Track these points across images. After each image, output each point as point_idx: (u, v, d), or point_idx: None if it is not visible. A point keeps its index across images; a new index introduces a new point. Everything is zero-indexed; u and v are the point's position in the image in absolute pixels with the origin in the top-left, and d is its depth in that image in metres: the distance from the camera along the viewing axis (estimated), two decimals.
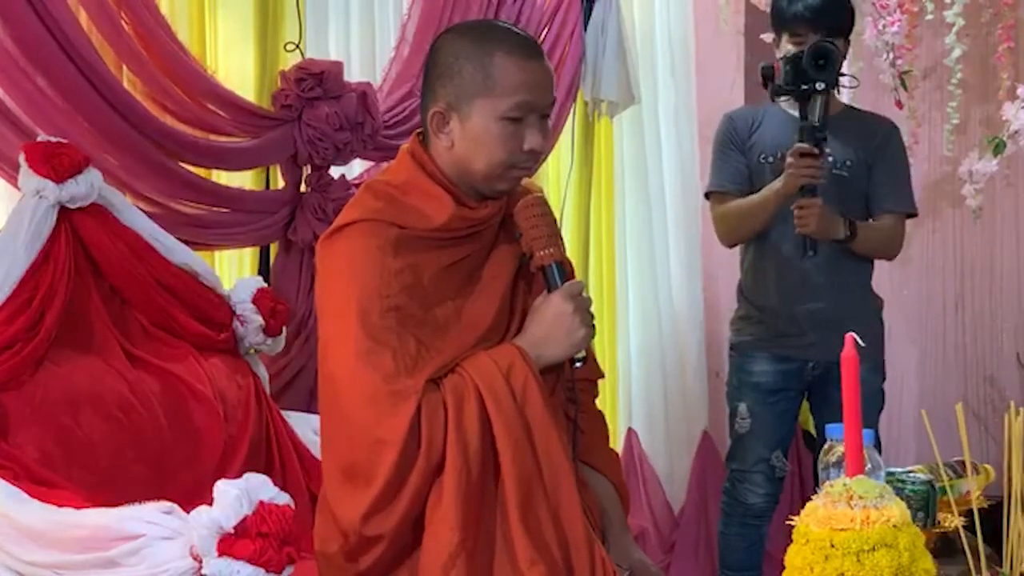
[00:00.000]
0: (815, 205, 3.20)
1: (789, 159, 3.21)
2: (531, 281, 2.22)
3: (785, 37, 3.35)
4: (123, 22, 2.80)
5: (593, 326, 2.18)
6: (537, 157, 2.20)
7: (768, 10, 3.90)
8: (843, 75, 3.34)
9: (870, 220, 3.41)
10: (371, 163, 3.41)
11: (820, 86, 3.19)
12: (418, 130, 2.26)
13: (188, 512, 2.05)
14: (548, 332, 2.15)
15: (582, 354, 2.19)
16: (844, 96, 3.57)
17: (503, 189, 2.19)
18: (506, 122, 2.13)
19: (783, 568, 1.51)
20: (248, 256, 3.28)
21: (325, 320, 2.17)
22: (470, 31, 2.27)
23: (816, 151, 3.19)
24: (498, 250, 2.23)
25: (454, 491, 2.04)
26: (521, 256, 2.22)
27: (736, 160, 3.40)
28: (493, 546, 2.08)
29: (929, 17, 3.91)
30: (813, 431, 3.69)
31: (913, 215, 3.45)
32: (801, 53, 3.23)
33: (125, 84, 2.83)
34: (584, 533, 2.10)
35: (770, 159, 3.35)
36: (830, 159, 3.30)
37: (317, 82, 3.13)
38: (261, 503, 2.01)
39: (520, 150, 2.15)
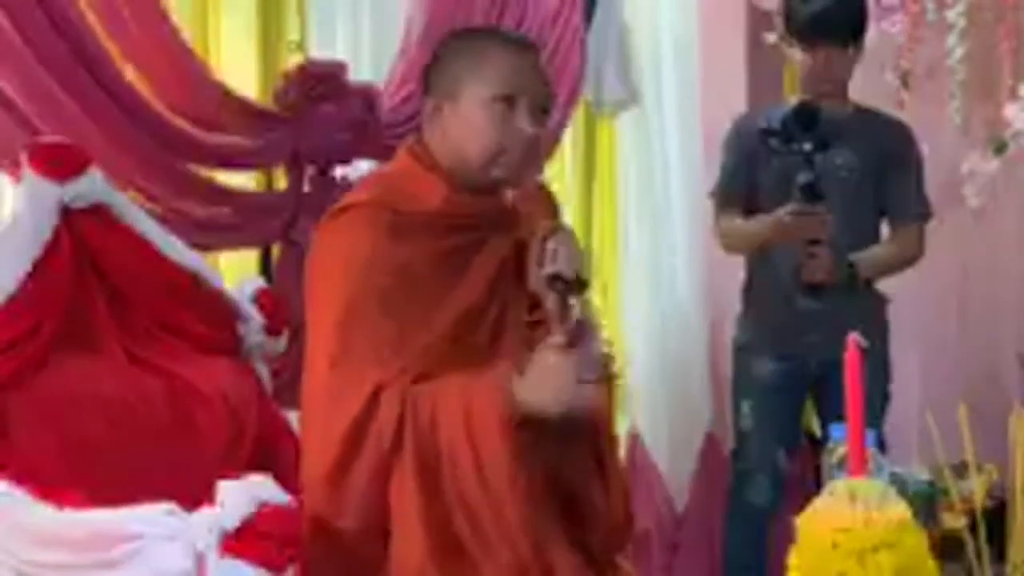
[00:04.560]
0: (824, 255, 3.21)
1: (786, 218, 3.21)
2: (517, 271, 2.24)
3: (796, 43, 3.36)
4: (126, 18, 2.80)
5: (594, 382, 2.13)
6: (530, 144, 2.22)
7: (768, 9, 3.92)
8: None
9: (881, 226, 3.43)
10: (375, 163, 3.41)
11: (808, 147, 3.19)
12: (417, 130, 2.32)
13: (190, 513, 2.05)
14: (538, 381, 2.10)
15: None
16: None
17: (498, 177, 2.22)
18: (497, 103, 2.18)
19: (785, 569, 1.51)
20: (250, 256, 3.28)
21: (311, 303, 2.21)
22: (467, 31, 2.45)
23: (813, 211, 3.19)
24: (492, 243, 2.25)
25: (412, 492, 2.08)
26: (513, 247, 2.24)
27: (743, 169, 3.42)
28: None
29: (931, 17, 3.91)
30: (816, 431, 3.69)
31: (928, 218, 3.46)
32: (790, 115, 3.24)
33: (129, 82, 2.83)
34: None
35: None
36: (838, 160, 3.31)
37: (319, 82, 3.13)
38: (263, 504, 2.01)
39: (511, 134, 2.18)
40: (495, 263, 2.25)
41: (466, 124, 2.20)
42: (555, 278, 2.18)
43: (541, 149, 2.30)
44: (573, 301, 2.18)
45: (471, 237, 2.25)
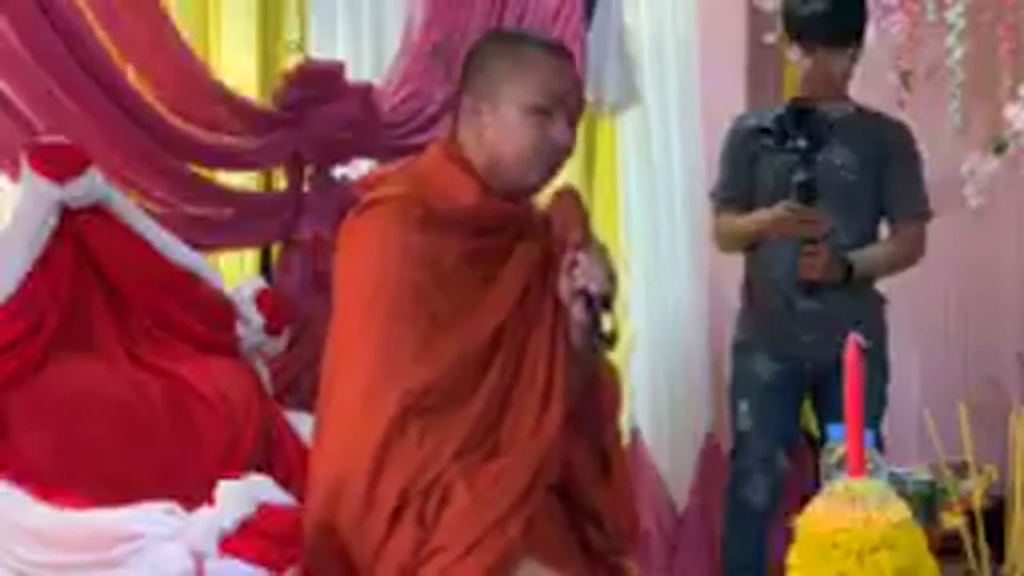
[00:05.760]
0: (822, 253, 3.22)
1: (783, 212, 3.23)
2: (546, 283, 2.23)
3: (794, 44, 3.36)
4: (126, 18, 2.80)
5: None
6: (564, 153, 2.25)
7: (768, 10, 3.91)
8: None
9: (880, 225, 3.43)
10: (375, 163, 3.41)
11: (802, 144, 3.21)
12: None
13: (189, 513, 2.05)
14: None
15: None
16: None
17: (532, 182, 2.24)
18: (535, 111, 2.19)
19: (785, 569, 1.51)
20: (250, 256, 3.28)
21: (344, 297, 2.19)
22: (502, 33, 2.52)
23: (808, 209, 3.21)
24: (520, 250, 2.24)
25: None
26: (542, 257, 2.23)
27: (742, 170, 3.43)
28: None
29: (931, 17, 3.91)
30: (814, 431, 3.70)
31: (928, 217, 3.47)
32: (784, 113, 3.25)
33: (130, 82, 2.83)
34: None
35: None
36: (838, 161, 3.31)
37: (319, 82, 3.13)
38: (263, 504, 2.01)
39: (547, 142, 2.20)
40: (526, 271, 2.23)
41: (504, 128, 2.20)
42: (583, 291, 2.18)
43: (565, 159, 2.31)
44: (600, 315, 2.18)
45: (499, 241, 2.23)
